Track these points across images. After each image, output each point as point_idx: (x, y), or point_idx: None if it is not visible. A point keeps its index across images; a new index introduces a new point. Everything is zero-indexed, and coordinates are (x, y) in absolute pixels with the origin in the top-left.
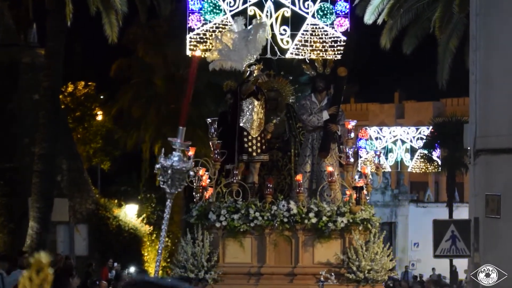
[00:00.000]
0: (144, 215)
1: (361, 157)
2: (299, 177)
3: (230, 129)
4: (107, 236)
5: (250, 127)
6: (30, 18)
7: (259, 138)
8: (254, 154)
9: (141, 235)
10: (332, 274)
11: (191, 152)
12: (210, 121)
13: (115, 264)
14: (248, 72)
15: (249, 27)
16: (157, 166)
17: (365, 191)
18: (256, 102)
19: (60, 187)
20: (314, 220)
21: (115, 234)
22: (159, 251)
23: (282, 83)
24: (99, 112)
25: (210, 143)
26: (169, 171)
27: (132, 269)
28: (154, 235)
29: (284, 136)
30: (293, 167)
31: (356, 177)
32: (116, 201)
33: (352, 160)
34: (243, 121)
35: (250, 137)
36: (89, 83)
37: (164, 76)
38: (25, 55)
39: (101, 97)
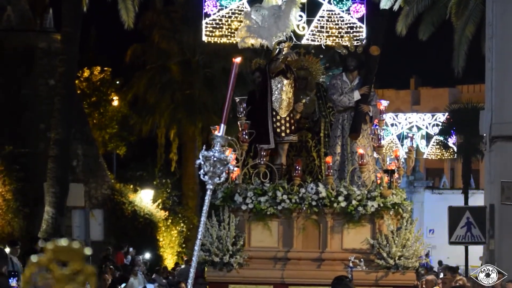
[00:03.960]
0: (160, 200)
1: None
2: (328, 159)
3: (259, 108)
4: (123, 221)
5: (279, 107)
6: (46, 3)
7: (287, 118)
8: (283, 134)
9: (156, 221)
10: (362, 260)
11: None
12: (238, 100)
13: (131, 249)
14: (278, 49)
15: (280, 4)
16: (198, 161)
17: (396, 175)
18: (285, 81)
19: (76, 172)
20: (343, 204)
21: (131, 219)
22: (197, 242)
23: (312, 62)
24: (115, 98)
25: (238, 123)
26: (211, 161)
27: (147, 255)
28: (170, 221)
29: (314, 116)
30: (323, 149)
31: (388, 159)
32: (131, 186)
33: (383, 142)
34: (272, 100)
35: (278, 117)
36: (105, 68)
37: (179, 62)
38: (41, 40)
39: (117, 82)
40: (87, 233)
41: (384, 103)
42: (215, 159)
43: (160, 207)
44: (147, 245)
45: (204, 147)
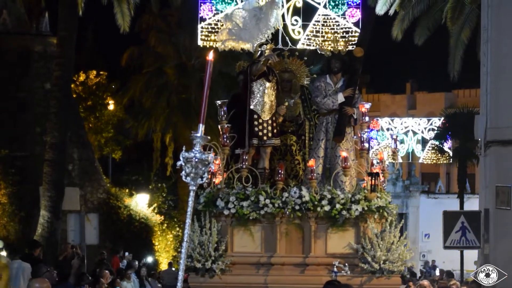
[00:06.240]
0: (155, 204)
1: (372, 147)
2: (311, 162)
3: (241, 112)
4: (118, 225)
5: (261, 110)
6: (42, 6)
7: (270, 122)
8: (265, 138)
9: (152, 225)
10: (346, 264)
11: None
12: (219, 103)
13: (126, 253)
14: (259, 52)
15: (261, 5)
16: (179, 162)
17: (381, 178)
18: (267, 84)
19: (71, 176)
20: (327, 208)
21: (126, 223)
22: (184, 244)
23: (296, 64)
24: (111, 102)
25: (219, 127)
26: (192, 162)
27: (149, 259)
28: (165, 225)
29: (299, 119)
30: (307, 152)
31: (375, 162)
32: (127, 190)
33: (366, 145)
34: (254, 103)
35: (260, 121)
36: (101, 72)
37: (176, 65)
38: (37, 43)
39: (113, 86)
40: (82, 237)
41: (366, 105)
42: (196, 159)
43: (155, 211)
44: (143, 249)
45: (184, 148)
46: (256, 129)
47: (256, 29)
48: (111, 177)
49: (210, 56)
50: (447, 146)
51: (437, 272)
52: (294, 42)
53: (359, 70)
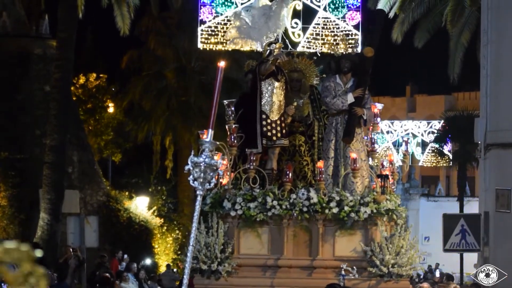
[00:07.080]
0: (155, 207)
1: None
2: (320, 163)
3: (249, 111)
4: (118, 228)
5: (270, 110)
6: (42, 9)
7: (278, 122)
8: (274, 138)
9: (151, 227)
10: (354, 267)
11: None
12: (226, 102)
13: (125, 256)
14: (268, 51)
15: (270, 3)
16: (187, 167)
17: (391, 180)
18: (276, 84)
19: (71, 179)
20: (335, 210)
21: (126, 226)
22: (190, 248)
23: (306, 64)
24: (111, 104)
25: (227, 127)
26: (201, 167)
27: (148, 261)
28: (165, 228)
29: (308, 120)
30: (316, 153)
31: (385, 163)
32: (126, 193)
33: (376, 146)
34: (262, 103)
35: (269, 121)
36: (101, 75)
37: (175, 68)
38: (37, 46)
39: (113, 89)
40: (82, 239)
41: (378, 106)
42: (205, 165)
43: (155, 214)
44: (142, 252)
45: (192, 153)
46: (265, 129)
47: (265, 27)
48: (110, 180)
49: (222, 63)
50: (447, 149)
51: (437, 274)
52: (294, 45)
53: (369, 71)
